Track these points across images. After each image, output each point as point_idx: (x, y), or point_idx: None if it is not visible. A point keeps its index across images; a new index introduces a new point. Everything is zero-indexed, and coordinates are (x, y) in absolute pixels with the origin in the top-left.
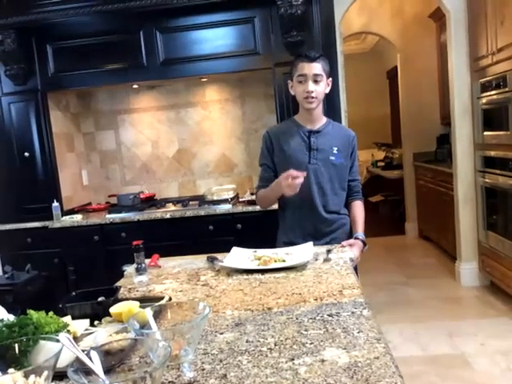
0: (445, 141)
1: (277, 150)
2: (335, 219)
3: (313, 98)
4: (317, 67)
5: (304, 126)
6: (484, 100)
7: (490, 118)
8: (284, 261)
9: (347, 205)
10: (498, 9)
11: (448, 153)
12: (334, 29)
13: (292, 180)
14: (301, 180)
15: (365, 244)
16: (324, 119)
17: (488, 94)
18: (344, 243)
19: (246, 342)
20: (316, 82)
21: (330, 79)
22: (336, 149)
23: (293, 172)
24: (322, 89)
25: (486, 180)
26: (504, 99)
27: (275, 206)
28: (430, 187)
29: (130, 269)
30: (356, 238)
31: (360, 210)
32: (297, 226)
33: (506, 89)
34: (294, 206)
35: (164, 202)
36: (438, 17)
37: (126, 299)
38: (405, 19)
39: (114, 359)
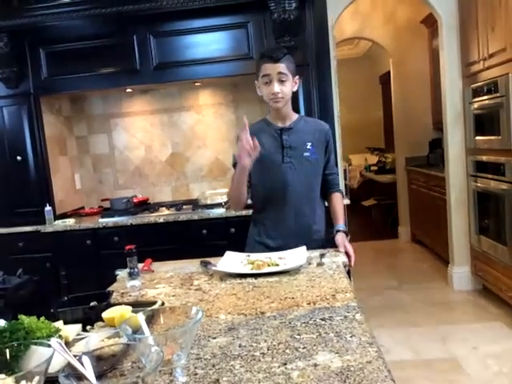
0: (437, 145)
1: None
2: (309, 223)
3: (279, 98)
4: (281, 67)
5: (275, 124)
6: (476, 105)
7: (482, 123)
8: (277, 265)
9: (326, 197)
10: (489, 15)
11: (440, 157)
12: (327, 34)
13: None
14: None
15: (347, 234)
16: (295, 116)
17: (480, 99)
18: (340, 248)
19: (239, 346)
20: (281, 81)
21: (297, 77)
22: (310, 144)
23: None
24: (287, 88)
25: (478, 184)
26: (495, 104)
27: None
28: (422, 191)
29: (122, 273)
30: (338, 231)
31: (339, 201)
32: (270, 225)
33: (498, 94)
34: (268, 205)
35: (157, 206)
36: (430, 22)
37: (119, 304)
38: (397, 25)
39: (105, 364)
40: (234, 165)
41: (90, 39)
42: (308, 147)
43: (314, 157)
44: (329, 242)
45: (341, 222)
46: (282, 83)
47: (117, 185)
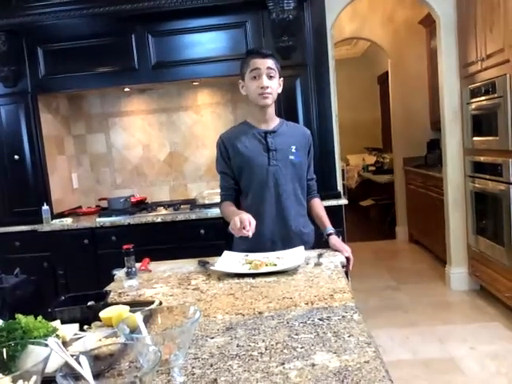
0: (435, 146)
1: (233, 154)
2: (298, 228)
3: (268, 93)
4: (270, 62)
5: (258, 127)
6: (473, 106)
7: (480, 124)
8: (275, 265)
9: (306, 202)
10: (487, 16)
11: (438, 158)
12: (325, 34)
13: (243, 229)
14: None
15: (338, 235)
16: (277, 119)
17: (477, 99)
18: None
19: (237, 346)
20: (270, 77)
21: (282, 79)
22: (294, 147)
23: (249, 222)
24: (275, 85)
25: (476, 185)
26: (493, 105)
27: None
28: (420, 192)
29: (120, 273)
30: (330, 234)
31: (321, 206)
32: (257, 231)
33: (495, 95)
34: (254, 211)
35: (155, 206)
36: (429, 23)
37: (116, 303)
38: (395, 25)
39: (103, 364)
40: (221, 172)
41: (88, 38)
42: (293, 150)
43: (298, 160)
44: (320, 246)
45: (328, 225)
46: (271, 79)
47: (114, 184)
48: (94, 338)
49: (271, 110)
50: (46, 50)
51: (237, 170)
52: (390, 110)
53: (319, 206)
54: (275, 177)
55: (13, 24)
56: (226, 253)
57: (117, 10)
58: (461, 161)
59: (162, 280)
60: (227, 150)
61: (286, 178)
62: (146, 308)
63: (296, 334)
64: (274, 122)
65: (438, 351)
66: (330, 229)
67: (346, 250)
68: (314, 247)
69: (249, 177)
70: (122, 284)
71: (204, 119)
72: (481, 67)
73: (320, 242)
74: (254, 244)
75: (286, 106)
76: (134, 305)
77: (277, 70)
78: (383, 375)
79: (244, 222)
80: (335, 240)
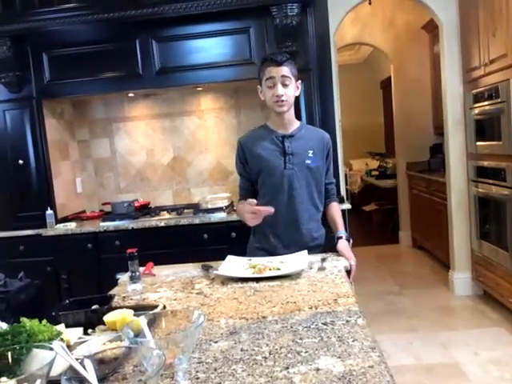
0: (438, 150)
1: (250, 157)
2: (310, 232)
3: (283, 101)
4: (284, 70)
5: (276, 131)
6: (476, 110)
7: (483, 129)
8: (279, 269)
9: (323, 206)
10: (490, 21)
11: (441, 162)
12: (328, 39)
13: (255, 213)
14: (270, 211)
15: (349, 240)
16: (297, 123)
17: (480, 104)
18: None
19: (241, 350)
20: (285, 85)
21: (299, 82)
22: (311, 152)
23: (260, 209)
24: (291, 92)
25: (479, 189)
26: (496, 110)
27: None
28: (423, 196)
29: (123, 277)
30: (340, 237)
31: (337, 210)
32: (270, 233)
33: (498, 100)
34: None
35: (158, 210)
36: (431, 28)
37: (120, 307)
38: (398, 30)
39: (107, 368)
40: (239, 174)
41: (92, 44)
42: (310, 155)
43: (315, 164)
44: (332, 249)
45: (341, 229)
46: (286, 86)
47: (118, 189)
48: (99, 342)
49: (289, 115)
50: (50, 55)
51: (254, 173)
52: (392, 114)
53: (336, 209)
54: (290, 180)
55: (18, 30)
56: (229, 257)
57: (121, 16)
58: (464, 165)
59: (165, 284)
60: (244, 153)
61: (301, 182)
62: (150, 312)
63: (300, 339)
64: (293, 126)
65: (441, 356)
66: (340, 232)
67: (352, 258)
68: (325, 250)
69: (265, 180)
70: (126, 288)
71: (207, 124)
72: (484, 72)
73: (331, 244)
74: (267, 246)
75: None
76: (138, 309)
77: (292, 75)
78: (388, 380)
79: (252, 208)
80: (342, 246)
